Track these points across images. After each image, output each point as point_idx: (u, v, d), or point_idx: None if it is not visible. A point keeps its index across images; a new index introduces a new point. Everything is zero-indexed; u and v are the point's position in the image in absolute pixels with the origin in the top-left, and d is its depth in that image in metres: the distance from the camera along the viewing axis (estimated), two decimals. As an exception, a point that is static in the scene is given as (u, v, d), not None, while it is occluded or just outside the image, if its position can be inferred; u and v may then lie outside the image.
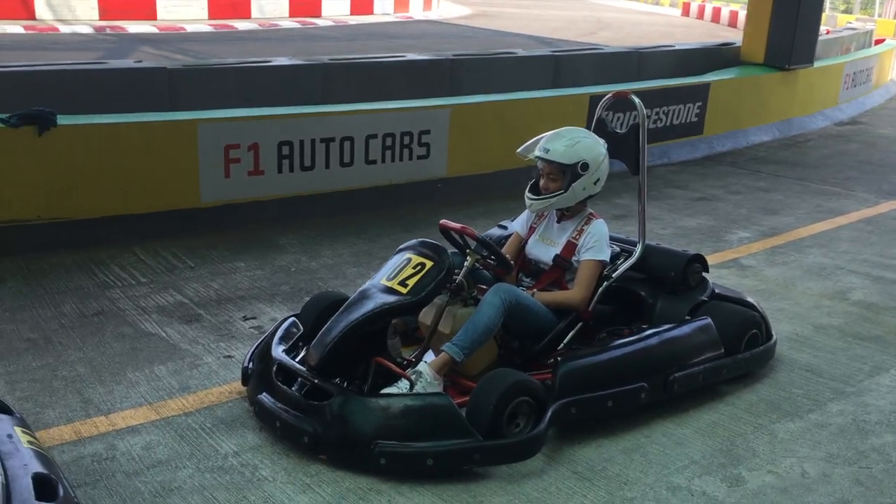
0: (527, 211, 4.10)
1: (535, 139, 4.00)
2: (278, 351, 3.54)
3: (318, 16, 21.04)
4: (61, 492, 2.51)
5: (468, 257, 3.72)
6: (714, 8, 29.90)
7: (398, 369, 3.38)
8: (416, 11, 24.74)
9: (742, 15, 27.01)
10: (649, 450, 3.33)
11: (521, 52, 8.83)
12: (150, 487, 2.99)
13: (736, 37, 11.72)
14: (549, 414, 3.22)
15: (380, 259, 5.44)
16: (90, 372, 3.83)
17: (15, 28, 15.20)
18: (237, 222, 5.91)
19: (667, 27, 26.10)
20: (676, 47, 9.82)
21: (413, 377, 3.37)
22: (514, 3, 32.10)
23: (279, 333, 3.70)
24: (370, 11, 22.90)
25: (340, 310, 3.45)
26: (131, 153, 5.51)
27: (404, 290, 3.41)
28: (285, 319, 3.87)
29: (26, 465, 2.55)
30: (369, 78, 7.30)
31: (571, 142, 3.82)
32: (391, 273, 3.52)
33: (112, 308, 4.53)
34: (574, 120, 7.54)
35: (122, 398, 3.62)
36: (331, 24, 20.10)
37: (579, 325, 3.81)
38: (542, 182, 3.89)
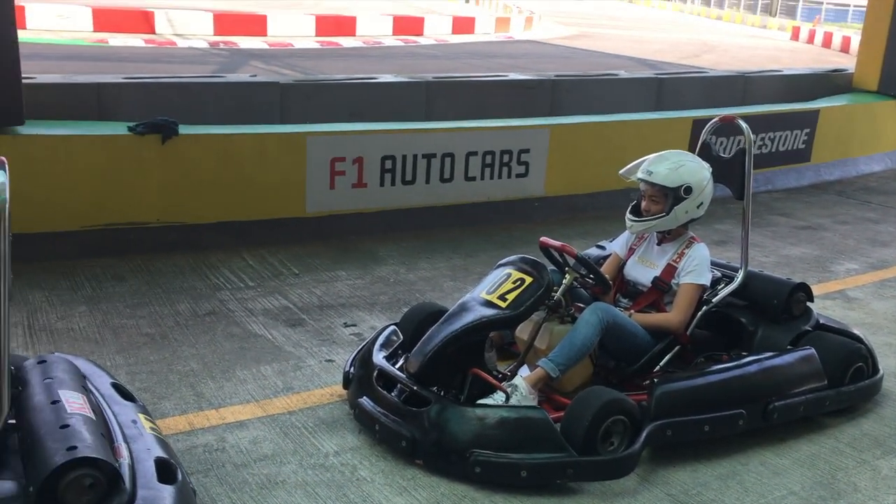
0: (626, 232, 4.12)
1: (637, 161, 4.01)
2: (379, 357, 3.66)
3: (421, 34, 21.44)
4: (180, 476, 2.68)
5: (567, 275, 3.77)
6: (826, 33, 28.98)
7: (495, 381, 3.45)
8: (516, 31, 24.92)
9: (855, 41, 26.19)
10: (746, 478, 3.29)
11: (623, 74, 8.82)
12: (256, 479, 3.15)
13: (847, 63, 11.39)
14: (644, 434, 3.23)
15: (476, 274, 5.55)
16: (202, 368, 4.04)
17: (136, 41, 16.08)
18: (339, 232, 6.11)
19: (773, 51, 25.44)
20: (784, 72, 9.60)
21: (509, 390, 3.43)
22: (616, 25, 31.92)
23: (380, 341, 3.82)
24: (471, 31, 23.20)
25: (441, 320, 3.55)
26: (244, 163, 5.79)
27: (503, 304, 3.49)
28: (386, 327, 4.00)
29: (149, 450, 2.74)
30: (471, 96, 7.43)
31: (675, 165, 3.82)
32: (491, 287, 3.60)
33: (222, 309, 4.77)
34: (676, 143, 7.50)
35: (231, 394, 3.81)
36: (433, 42, 20.45)
37: (676, 348, 3.80)
38: (643, 204, 3.90)
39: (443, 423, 3.22)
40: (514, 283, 3.55)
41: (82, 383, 2.93)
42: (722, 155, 4.16)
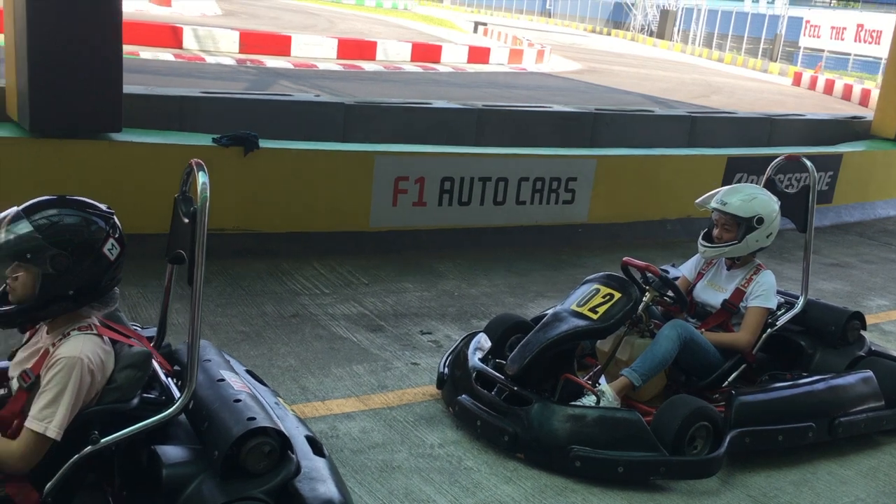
0: (695, 257, 4.46)
1: (711, 192, 4.37)
2: (475, 360, 3.98)
3: (438, 62, 21.92)
4: (326, 452, 2.99)
5: (647, 293, 4.11)
6: (827, 80, 29.68)
7: (587, 385, 3.77)
8: (528, 63, 25.45)
9: (857, 89, 26.89)
10: (816, 485, 3.62)
11: (658, 111, 9.24)
12: (374, 464, 3.45)
13: (852, 110, 11.88)
14: (727, 439, 3.55)
15: (532, 292, 5.91)
16: (300, 364, 4.35)
17: (166, 55, 16.44)
18: (399, 247, 6.43)
19: (777, 95, 26.08)
20: (807, 117, 10.04)
21: (598, 394, 3.75)
22: (622, 62, 32.56)
23: (473, 346, 4.14)
24: (486, 61, 23.72)
25: (536, 329, 3.88)
26: (316, 177, 6.12)
27: (594, 316, 3.82)
28: (474, 334, 4.32)
29: (297, 427, 3.04)
30: (517, 124, 7.80)
31: (748, 197, 4.18)
32: (581, 300, 3.93)
33: (305, 312, 5.07)
34: (711, 179, 7.92)
35: (332, 389, 4.11)
36: (450, 70, 20.92)
37: (743, 366, 4.13)
38: (715, 232, 4.24)
39: (544, 420, 3.54)
40: (604, 297, 3.89)
41: (231, 366, 3.23)
42: (787, 190, 4.52)
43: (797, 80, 32.22)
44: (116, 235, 2.62)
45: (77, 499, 2.62)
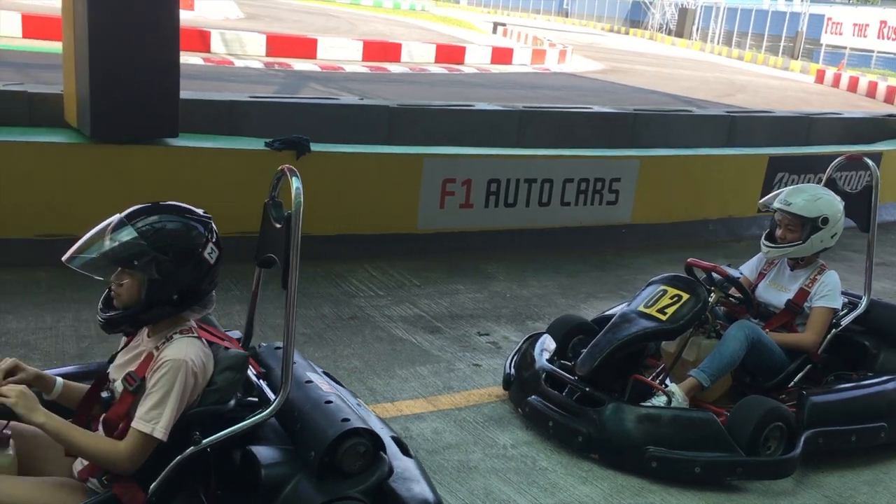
0: (756, 257, 4.47)
1: (775, 192, 4.37)
2: (544, 361, 4.01)
3: (462, 63, 21.96)
4: (411, 452, 3.03)
5: (713, 294, 4.12)
6: (851, 77, 29.47)
7: (657, 385, 3.79)
8: (551, 63, 25.44)
9: (882, 86, 26.67)
10: (891, 484, 3.63)
11: (696, 111, 9.23)
12: (450, 464, 3.49)
13: (878, 108, 11.77)
14: (802, 440, 3.56)
15: (583, 293, 5.93)
16: (364, 366, 4.39)
17: (195, 59, 16.57)
18: (446, 249, 6.47)
19: (801, 93, 25.94)
20: (844, 115, 10.00)
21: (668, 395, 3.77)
22: (643, 61, 32.47)
23: (539, 347, 4.17)
24: (509, 61, 23.73)
25: (604, 330, 3.90)
26: (365, 180, 6.17)
27: (663, 318, 3.84)
28: (537, 335, 4.36)
29: (382, 428, 3.08)
30: (558, 125, 7.82)
31: (813, 197, 4.18)
32: (648, 301, 3.96)
33: (362, 314, 5.12)
34: (753, 178, 7.92)
35: (399, 390, 4.16)
36: (475, 71, 20.95)
37: (808, 366, 4.13)
38: (779, 232, 4.24)
39: (618, 421, 3.57)
40: (672, 298, 3.90)
41: (313, 368, 3.28)
42: (848, 190, 4.52)
43: (820, 78, 32.00)
44: (214, 240, 2.67)
45: (175, 499, 2.68)
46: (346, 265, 5.94)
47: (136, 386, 2.49)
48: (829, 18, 38.51)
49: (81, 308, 4.71)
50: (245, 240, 5.81)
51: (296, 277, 2.74)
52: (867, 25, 35.92)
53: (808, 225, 4.14)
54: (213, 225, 2.72)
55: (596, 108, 8.25)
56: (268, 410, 2.73)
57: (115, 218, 2.57)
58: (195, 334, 2.62)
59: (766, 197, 4.41)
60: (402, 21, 39.94)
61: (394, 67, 19.46)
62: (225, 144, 5.84)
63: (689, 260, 4.28)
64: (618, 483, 3.46)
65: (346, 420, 2.79)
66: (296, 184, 2.81)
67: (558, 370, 3.92)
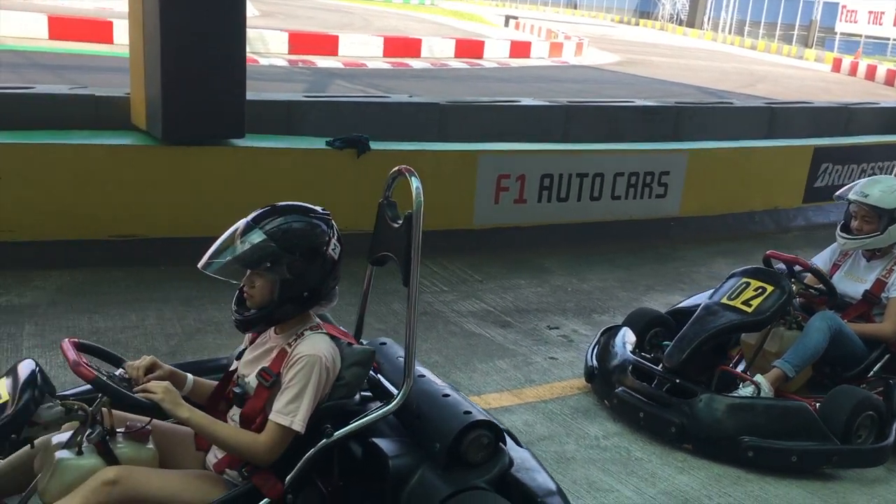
0: (829, 248, 4.52)
1: (850, 184, 4.42)
2: (628, 353, 4.08)
3: (481, 57, 21.99)
4: (522, 443, 3.10)
5: (794, 285, 4.18)
6: (869, 65, 29.37)
7: (746, 376, 3.86)
8: (568, 56, 25.45)
9: (901, 73, 26.55)
10: (981, 471, 3.68)
11: (737, 103, 9.28)
12: (549, 456, 3.56)
13: (891, 95, 11.68)
14: (895, 429, 3.62)
15: (643, 286, 6.00)
16: (444, 360, 4.47)
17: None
18: (502, 244, 6.53)
19: (820, 82, 25.87)
20: (881, 104, 10.02)
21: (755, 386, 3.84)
22: (657, 53, 32.43)
23: (620, 340, 4.24)
24: (527, 55, 23.75)
25: (690, 322, 3.97)
26: (423, 177, 6.19)
27: (748, 310, 3.91)
28: (614, 328, 4.43)
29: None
30: (603, 119, 7.87)
31: (889, 188, 4.23)
32: (731, 294, 4.02)
33: (432, 310, 5.20)
34: (798, 169, 7.96)
35: (483, 384, 4.23)
36: (495, 65, 20.98)
37: (887, 356, 4.19)
38: (855, 224, 4.29)
39: (712, 411, 3.64)
40: (756, 291, 3.97)
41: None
42: (920, 181, 4.56)
43: (836, 67, 31.88)
44: (336, 236, 2.75)
45: (302, 491, 2.76)
46: (407, 261, 6.01)
47: (272, 381, 2.56)
48: (844, 6, 38.32)
49: (162, 307, 4.81)
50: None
51: (417, 274, 2.81)
52: (883, 13, 35.76)
53: (886, 216, 4.18)
54: (333, 221, 2.80)
55: (639, 102, 8.29)
56: (393, 403, 2.81)
57: (243, 222, 2.63)
58: (324, 331, 2.70)
59: (842, 189, 4.46)
60: (415, 16, 39.98)
61: (415, 63, 19.52)
62: (288, 144, 5.92)
63: (768, 252, 4.34)
64: (714, 472, 3.53)
65: (468, 413, 2.86)
66: (415, 183, 2.89)
67: (644, 362, 3.99)
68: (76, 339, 2.62)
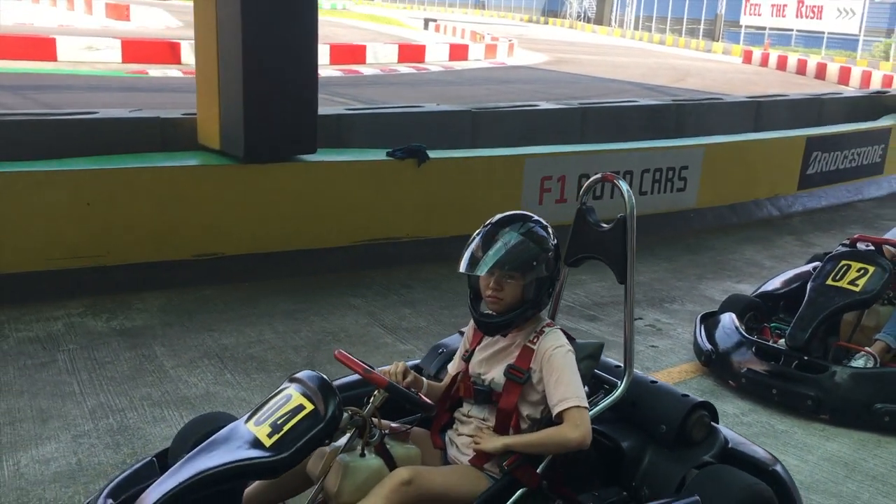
0: None
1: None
2: (745, 336, 4.42)
3: (423, 61, 22.23)
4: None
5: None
6: (780, 56, 30.95)
7: (862, 348, 4.24)
8: (502, 57, 25.97)
9: (811, 64, 28.11)
10: None
11: (727, 98, 9.82)
12: (707, 435, 3.84)
13: (810, 84, 12.30)
14: None
15: (693, 276, 6.36)
16: (561, 355, 4.70)
17: (174, 72, 16.37)
18: (547, 243, 6.79)
19: (741, 74, 27.13)
20: (844, 95, 10.76)
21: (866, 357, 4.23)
22: (578, 51, 33.29)
23: (730, 324, 4.58)
24: (466, 58, 24.12)
25: (805, 304, 4.34)
26: (475, 183, 6.46)
27: (856, 289, 4.30)
28: (711, 314, 4.81)
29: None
30: (613, 119, 8.25)
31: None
32: (835, 276, 4.40)
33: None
34: (792, 158, 8.51)
35: (608, 375, 4.48)
36: (440, 69, 21.24)
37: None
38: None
39: (845, 383, 4.00)
40: (858, 271, 4.36)
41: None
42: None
43: (748, 58, 33.43)
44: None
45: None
46: (470, 265, 6.21)
47: (525, 377, 2.74)
48: (748, 0, 40.21)
49: (270, 321, 4.88)
50: (374, 247, 6.07)
51: (633, 272, 3.04)
52: (785, 5, 37.66)
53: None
54: None
55: (642, 102, 8.72)
56: (619, 392, 3.04)
57: (495, 228, 2.77)
58: (558, 327, 2.88)
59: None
60: (332, 21, 39.78)
61: (364, 69, 19.59)
62: (353, 157, 6.04)
63: (857, 235, 4.74)
64: (855, 438, 3.89)
65: (686, 395, 3.13)
66: (625, 187, 3.10)
67: (767, 343, 4.34)
68: (343, 351, 2.73)
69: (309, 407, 2.50)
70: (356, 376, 2.83)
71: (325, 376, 2.60)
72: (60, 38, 16.95)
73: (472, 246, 2.77)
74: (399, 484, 2.51)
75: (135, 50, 17.34)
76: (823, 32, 35.59)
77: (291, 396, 2.57)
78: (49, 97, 12.33)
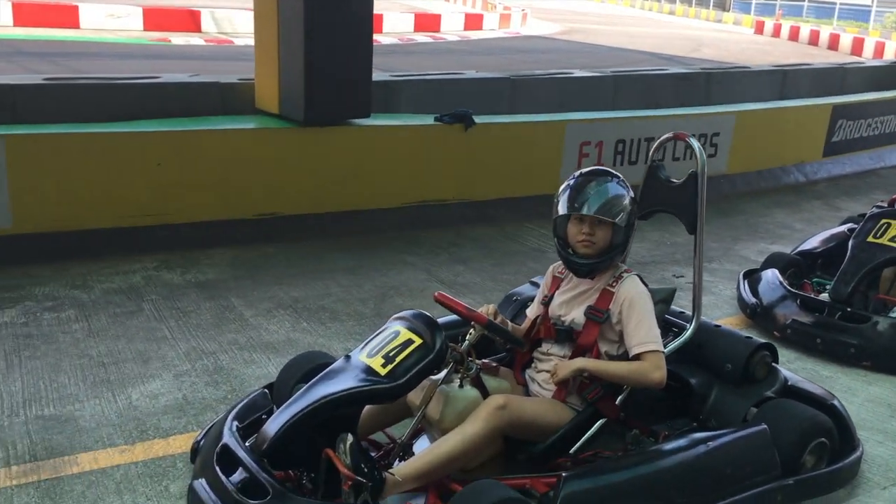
0: None
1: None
2: (789, 290, 4.69)
3: (438, 31, 22.31)
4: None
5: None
6: (792, 27, 30.90)
7: (899, 301, 4.51)
8: (515, 27, 26.03)
9: (824, 35, 28.10)
10: None
11: (753, 67, 9.99)
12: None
13: (824, 55, 12.45)
14: None
15: (728, 237, 6.61)
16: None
17: (196, 40, 16.52)
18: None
19: (754, 45, 27.19)
20: (867, 64, 10.92)
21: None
22: (590, 21, 33.35)
23: (774, 280, 4.83)
24: (480, 27, 24.20)
25: (847, 260, 4.60)
26: (519, 147, 6.68)
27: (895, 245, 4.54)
28: (753, 271, 5.10)
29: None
30: (645, 87, 8.45)
31: None
32: (875, 233, 4.66)
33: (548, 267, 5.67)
34: (818, 126, 8.71)
35: (658, 326, 4.75)
36: (456, 38, 21.34)
37: None
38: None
39: (886, 332, 4.26)
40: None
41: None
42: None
43: (759, 29, 33.36)
44: None
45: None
46: (513, 226, 6.47)
47: (605, 317, 2.99)
48: (761, -30, 39.98)
49: (335, 276, 5.14)
50: (422, 208, 6.31)
51: (703, 223, 3.28)
52: (797, -24, 37.52)
53: None
54: None
55: (672, 70, 8.93)
56: (689, 333, 3.32)
57: (589, 178, 3.01)
58: (635, 273, 3.12)
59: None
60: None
61: (382, 39, 19.68)
62: (403, 122, 6.27)
63: (894, 196, 4.98)
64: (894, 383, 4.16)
65: (749, 337, 3.39)
66: (696, 144, 3.33)
67: (811, 296, 4.60)
68: (443, 293, 2.98)
69: (418, 341, 2.77)
70: (446, 318, 3.11)
71: (429, 314, 2.86)
72: (83, 5, 17.06)
73: (569, 193, 3.01)
74: (495, 408, 2.78)
75: (156, 18, 17.47)
76: (835, 3, 35.52)
77: (399, 332, 2.83)
78: (78, 63, 12.51)
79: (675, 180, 3.45)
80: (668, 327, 3.44)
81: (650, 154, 3.60)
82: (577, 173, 3.07)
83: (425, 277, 5.27)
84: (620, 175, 3.09)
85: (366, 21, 5.76)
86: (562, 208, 3.02)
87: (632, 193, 3.06)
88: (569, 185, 3.03)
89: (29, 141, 4.95)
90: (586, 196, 2.97)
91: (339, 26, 5.55)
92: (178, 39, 16.39)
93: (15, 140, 4.88)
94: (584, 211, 2.94)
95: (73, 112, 5.43)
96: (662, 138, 3.55)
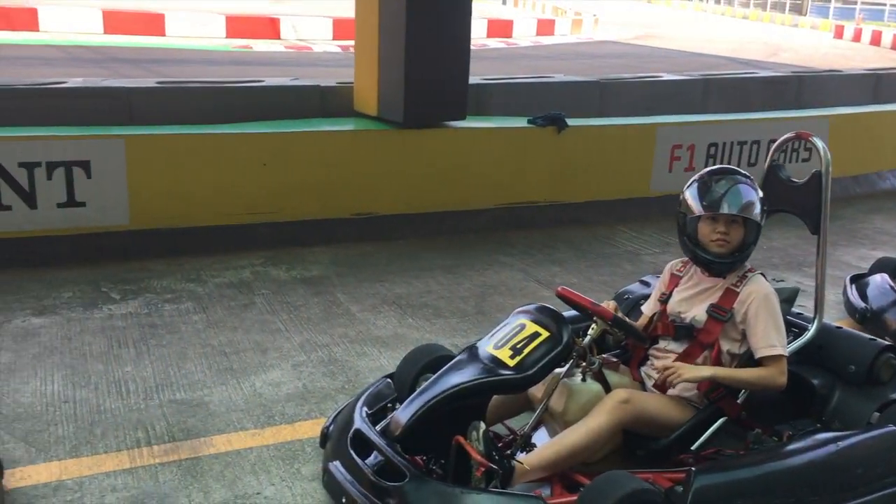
0: None
1: None
2: None
3: (510, 36, 22.36)
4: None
5: None
6: (874, 31, 30.01)
7: None
8: (587, 32, 25.90)
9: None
10: None
11: (845, 71, 9.78)
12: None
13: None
14: None
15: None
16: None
17: (277, 47, 16.92)
18: (674, 211, 6.97)
19: (835, 49, 26.49)
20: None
21: None
22: (666, 26, 32.94)
23: (883, 283, 4.74)
24: (552, 32, 24.17)
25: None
26: (611, 150, 6.68)
27: None
28: (861, 275, 4.99)
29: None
30: (735, 90, 8.35)
31: None
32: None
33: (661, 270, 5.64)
34: (918, 130, 8.43)
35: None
36: (530, 44, 21.36)
37: None
38: None
39: None
40: None
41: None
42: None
43: (839, 34, 32.44)
44: None
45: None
46: (605, 228, 6.46)
47: (727, 316, 2.98)
48: (840, -26, 38.93)
49: (434, 274, 5.24)
50: (514, 209, 6.35)
51: (826, 223, 3.25)
52: (879, -21, 36.42)
53: None
54: None
55: (762, 73, 8.78)
56: (810, 334, 3.29)
57: (720, 177, 3.02)
58: (760, 272, 3.11)
59: None
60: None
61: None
62: (497, 124, 6.34)
63: None
64: None
65: (873, 339, 3.34)
66: (820, 144, 3.31)
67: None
68: (567, 287, 3.02)
69: (545, 333, 2.81)
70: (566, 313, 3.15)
71: (554, 308, 2.91)
72: (169, 13, 17.64)
73: (700, 192, 3.02)
74: (619, 402, 2.81)
75: (237, 25, 17.94)
76: (920, 6, 34.35)
77: (525, 325, 2.88)
78: (168, 69, 12.95)
79: (796, 180, 3.43)
80: (788, 327, 3.41)
81: (770, 154, 3.58)
82: (704, 172, 3.09)
83: (522, 277, 5.31)
84: (749, 174, 3.10)
85: (463, 25, 5.86)
86: (695, 208, 3.02)
87: (760, 192, 3.06)
88: (698, 184, 3.04)
89: (146, 141, 5.17)
90: (720, 195, 2.98)
91: (438, 31, 5.66)
92: (260, 46, 16.80)
93: (134, 141, 5.10)
94: (724, 210, 2.94)
95: (183, 114, 5.65)
96: (784, 138, 3.54)
